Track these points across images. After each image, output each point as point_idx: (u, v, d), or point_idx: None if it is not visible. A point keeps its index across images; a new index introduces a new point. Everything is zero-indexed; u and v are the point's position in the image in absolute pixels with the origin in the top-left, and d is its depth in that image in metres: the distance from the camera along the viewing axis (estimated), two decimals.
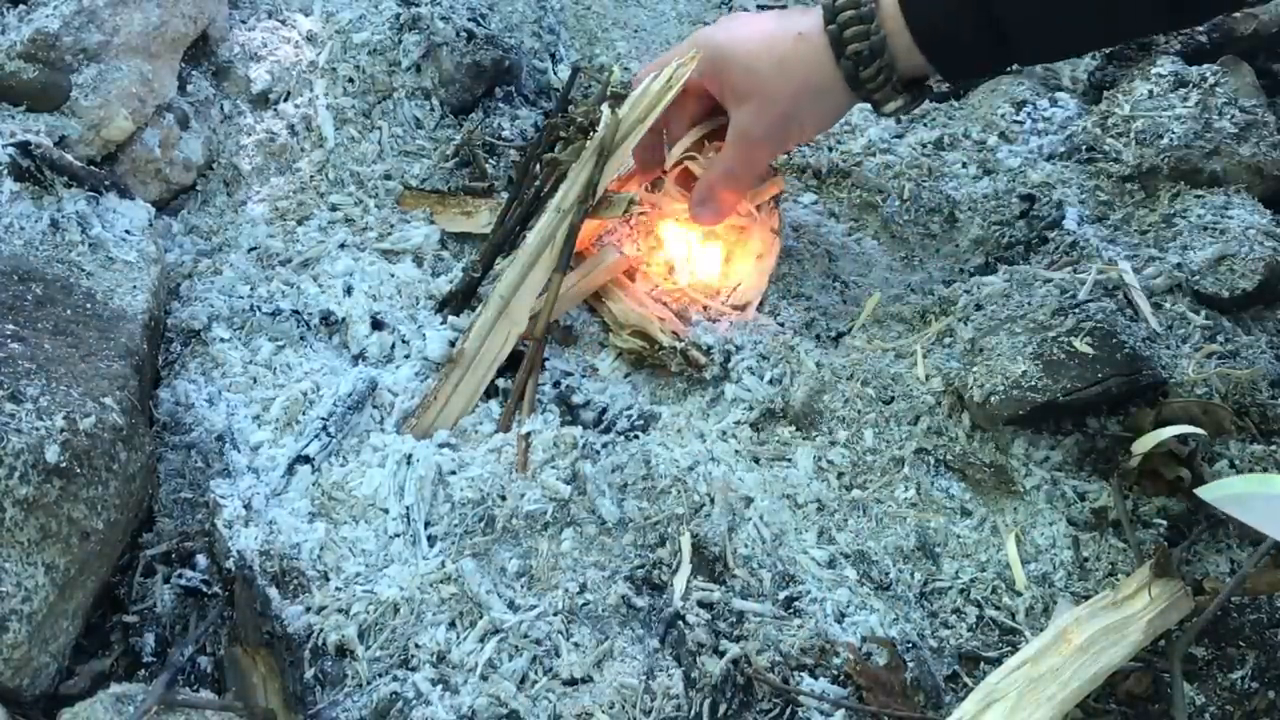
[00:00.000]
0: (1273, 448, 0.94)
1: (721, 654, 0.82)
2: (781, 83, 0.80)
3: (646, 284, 1.15)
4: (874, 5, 0.75)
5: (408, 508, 0.91)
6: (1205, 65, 1.24)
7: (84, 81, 1.07)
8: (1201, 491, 0.77)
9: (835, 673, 0.82)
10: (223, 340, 1.05)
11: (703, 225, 1.04)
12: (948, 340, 1.04)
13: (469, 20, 1.33)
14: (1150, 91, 1.23)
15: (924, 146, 1.30)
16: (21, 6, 1.08)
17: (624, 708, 0.80)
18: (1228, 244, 1.08)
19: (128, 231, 1.02)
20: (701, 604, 0.86)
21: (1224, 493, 0.76)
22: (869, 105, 0.88)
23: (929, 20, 0.74)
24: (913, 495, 0.95)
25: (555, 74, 1.42)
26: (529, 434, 0.97)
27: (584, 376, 1.08)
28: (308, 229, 1.19)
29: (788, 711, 0.80)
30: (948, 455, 0.97)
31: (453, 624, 0.84)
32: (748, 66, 0.81)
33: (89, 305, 0.93)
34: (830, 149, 1.32)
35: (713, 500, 0.91)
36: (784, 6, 1.54)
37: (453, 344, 1.06)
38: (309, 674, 0.82)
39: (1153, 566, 0.83)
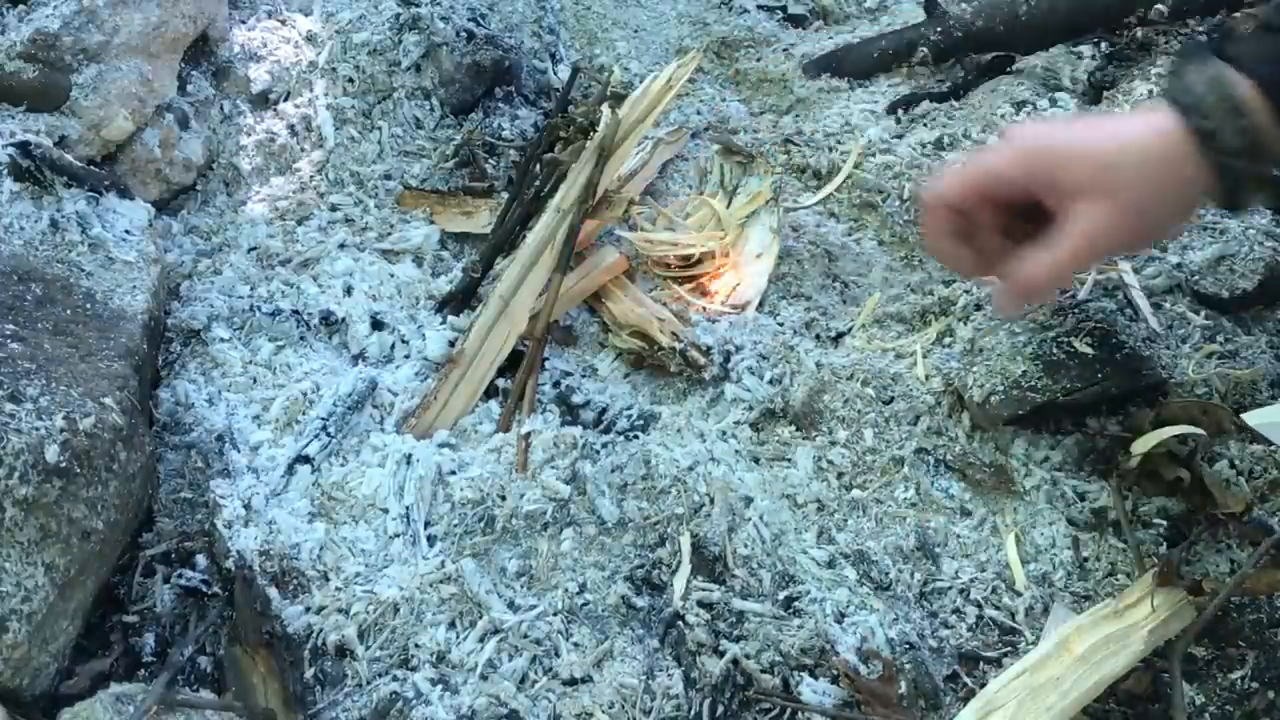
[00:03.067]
0: (1273, 448, 0.94)
1: (721, 654, 0.82)
2: (1145, 181, 0.74)
3: (647, 284, 1.15)
4: (1240, 94, 0.72)
5: (408, 508, 0.91)
6: None
7: (84, 81, 1.07)
8: (1247, 417, 0.79)
9: (835, 672, 0.82)
10: (223, 340, 1.05)
11: (1004, 313, 0.97)
12: (948, 340, 1.04)
13: (469, 20, 1.33)
14: (1150, 91, 1.23)
15: (924, 146, 1.30)
16: (21, 6, 1.08)
17: (624, 708, 0.80)
18: (1228, 244, 1.08)
19: (128, 231, 1.02)
20: (701, 604, 0.86)
21: (1267, 420, 0.78)
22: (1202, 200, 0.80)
23: None
24: (913, 495, 0.95)
25: (555, 74, 1.42)
26: (529, 434, 0.97)
27: (584, 376, 1.08)
28: (308, 229, 1.19)
29: (787, 712, 0.80)
30: (948, 455, 0.97)
31: (453, 624, 0.84)
32: (1104, 163, 0.75)
33: (89, 305, 0.92)
34: (830, 149, 1.32)
35: (713, 500, 0.91)
36: (784, 6, 1.54)
37: (453, 344, 1.06)
38: (309, 674, 0.82)
39: (1156, 576, 0.82)
